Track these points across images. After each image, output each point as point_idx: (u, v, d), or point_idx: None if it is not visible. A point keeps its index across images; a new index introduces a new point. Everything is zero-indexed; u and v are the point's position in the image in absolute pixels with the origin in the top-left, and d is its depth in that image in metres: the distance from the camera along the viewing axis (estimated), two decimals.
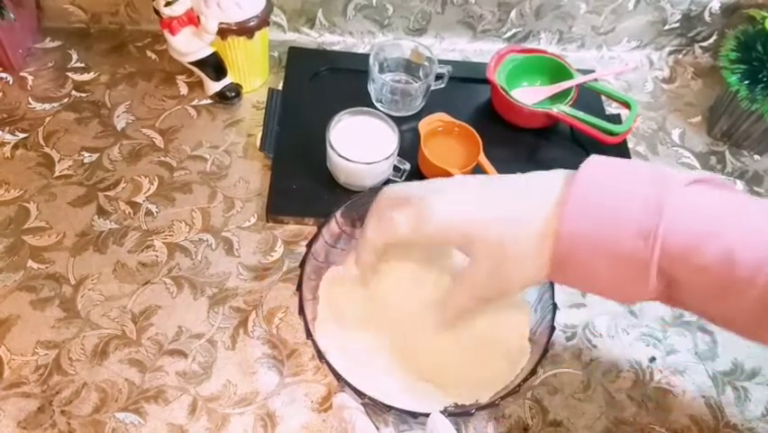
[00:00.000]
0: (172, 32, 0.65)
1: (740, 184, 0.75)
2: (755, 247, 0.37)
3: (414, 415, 0.47)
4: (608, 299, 0.43)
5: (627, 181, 0.40)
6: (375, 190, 0.59)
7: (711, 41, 0.86)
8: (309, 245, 0.54)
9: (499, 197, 0.43)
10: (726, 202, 0.39)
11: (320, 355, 0.48)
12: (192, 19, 0.65)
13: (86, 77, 0.75)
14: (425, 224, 0.44)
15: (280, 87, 0.75)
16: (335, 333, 0.53)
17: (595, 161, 0.42)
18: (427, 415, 0.47)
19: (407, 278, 0.56)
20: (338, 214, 0.56)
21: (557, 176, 0.43)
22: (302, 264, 0.53)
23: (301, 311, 0.50)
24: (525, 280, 0.44)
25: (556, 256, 0.40)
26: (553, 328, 0.50)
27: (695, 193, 0.39)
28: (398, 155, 0.65)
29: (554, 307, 0.51)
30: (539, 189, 0.42)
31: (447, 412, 0.47)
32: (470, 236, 0.43)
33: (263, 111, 0.72)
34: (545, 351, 0.50)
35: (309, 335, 0.49)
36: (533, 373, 0.49)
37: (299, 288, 0.51)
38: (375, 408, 0.49)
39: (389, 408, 0.47)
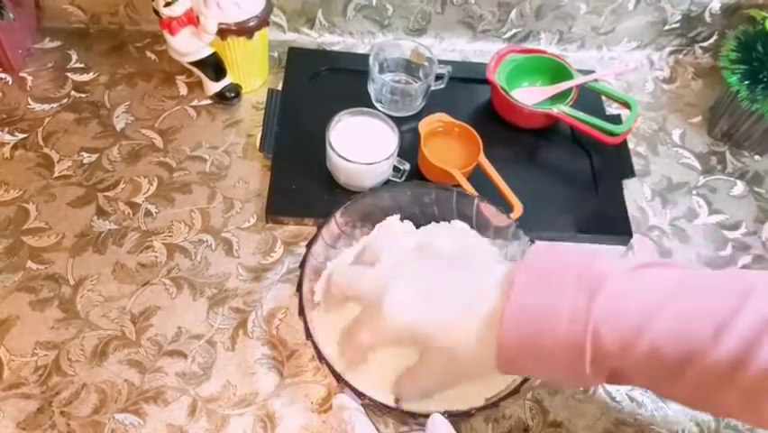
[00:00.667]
0: (172, 33, 0.65)
1: (741, 184, 0.75)
2: (680, 341, 0.38)
3: (414, 415, 0.47)
4: (567, 388, 0.47)
5: (556, 290, 0.42)
6: (375, 191, 0.59)
7: (711, 41, 0.86)
8: (309, 246, 0.53)
9: (442, 293, 0.47)
10: (658, 289, 0.40)
11: (320, 356, 0.48)
12: (191, 19, 0.65)
13: (85, 77, 0.75)
14: (382, 333, 0.47)
15: (280, 88, 0.75)
16: (335, 333, 0.53)
17: (527, 264, 0.44)
18: (427, 416, 0.47)
19: None
20: (337, 214, 0.56)
21: (498, 274, 0.46)
22: (302, 265, 0.53)
23: (301, 312, 0.50)
24: (475, 374, 0.47)
25: (500, 362, 0.43)
26: None
27: (630, 282, 0.41)
28: (398, 155, 0.65)
29: None
30: (481, 288, 0.46)
31: (447, 413, 0.47)
32: (419, 338, 0.46)
33: (263, 111, 0.72)
34: None
35: (309, 335, 0.49)
36: None
37: (299, 288, 0.51)
38: (375, 408, 0.49)
39: (389, 408, 0.47)
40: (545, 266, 0.43)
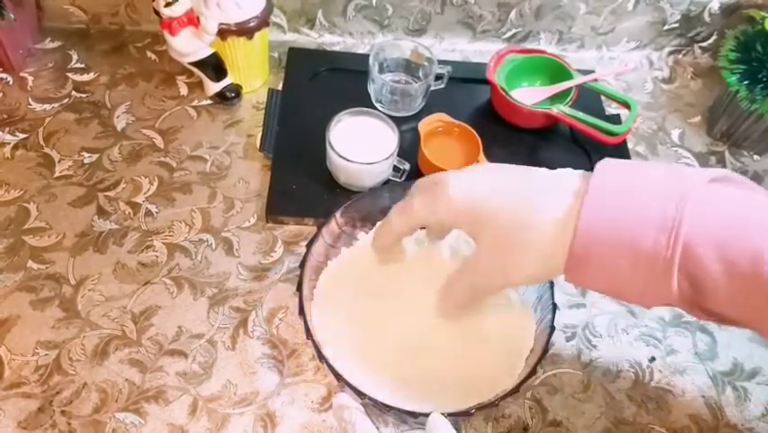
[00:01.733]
0: (172, 33, 0.65)
1: None
2: None
3: (414, 415, 0.47)
4: (630, 303, 0.41)
5: (646, 177, 0.38)
6: (375, 190, 0.59)
7: (711, 41, 0.86)
8: (309, 246, 0.54)
9: (516, 183, 0.42)
10: (749, 201, 0.38)
11: (320, 355, 0.48)
12: (192, 20, 0.65)
13: (86, 77, 0.75)
14: (439, 204, 0.43)
15: (280, 88, 0.75)
16: (335, 333, 0.53)
17: (610, 161, 0.41)
18: (427, 415, 0.47)
19: (409, 278, 0.56)
20: (338, 214, 0.56)
21: (575, 172, 0.42)
22: (302, 264, 0.53)
23: (301, 311, 0.50)
24: (529, 271, 0.41)
25: (574, 252, 0.38)
26: (552, 328, 0.50)
27: (716, 191, 0.38)
28: (398, 155, 0.65)
29: (554, 307, 0.51)
30: (557, 180, 0.41)
31: (447, 412, 0.47)
32: (479, 217, 0.42)
33: (263, 111, 0.72)
34: (545, 351, 0.50)
35: (309, 335, 0.49)
36: (533, 372, 0.49)
37: (299, 288, 0.51)
38: (375, 408, 0.49)
39: (389, 408, 0.47)
40: (630, 162, 0.40)
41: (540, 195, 0.41)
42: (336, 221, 0.57)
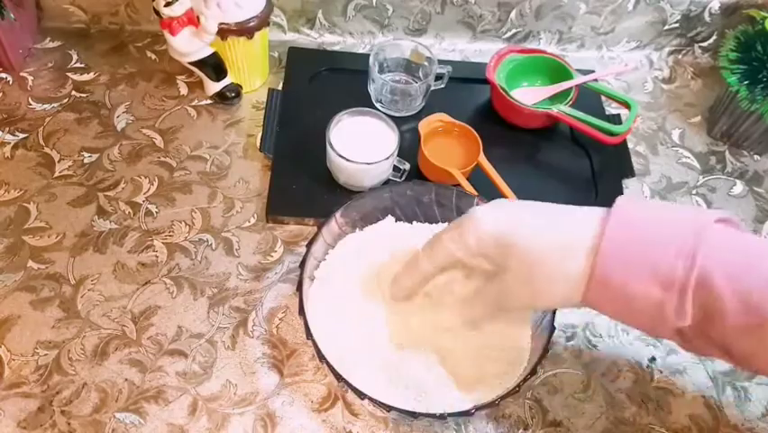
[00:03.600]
0: (172, 33, 0.65)
1: (740, 184, 0.75)
2: None
3: (414, 415, 0.47)
4: (642, 331, 0.43)
5: (664, 210, 0.41)
6: (375, 190, 0.59)
7: (711, 41, 0.86)
8: (309, 246, 0.54)
9: (542, 217, 0.44)
10: (757, 238, 0.41)
11: (320, 355, 0.48)
12: (192, 19, 0.65)
13: (86, 77, 0.75)
14: (469, 236, 0.45)
15: (280, 88, 0.75)
16: (336, 333, 0.53)
17: (629, 197, 0.43)
18: (427, 415, 0.47)
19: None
20: (338, 214, 0.56)
21: (596, 208, 0.44)
22: (302, 264, 0.53)
23: (301, 311, 0.50)
24: (556, 299, 0.44)
25: (594, 278, 0.40)
26: (553, 328, 0.50)
27: (725, 229, 0.40)
28: (398, 155, 0.65)
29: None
30: (581, 215, 0.43)
31: (447, 412, 0.47)
32: (507, 249, 0.43)
33: (263, 111, 0.72)
34: (545, 351, 0.50)
35: (309, 335, 0.49)
36: (533, 372, 0.49)
37: (299, 288, 0.51)
38: (375, 407, 0.49)
39: (389, 407, 0.47)
40: (646, 200, 0.43)
41: (565, 228, 0.43)
42: (337, 221, 0.57)
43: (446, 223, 0.61)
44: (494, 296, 0.47)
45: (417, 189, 0.59)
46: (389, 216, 0.60)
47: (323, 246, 0.56)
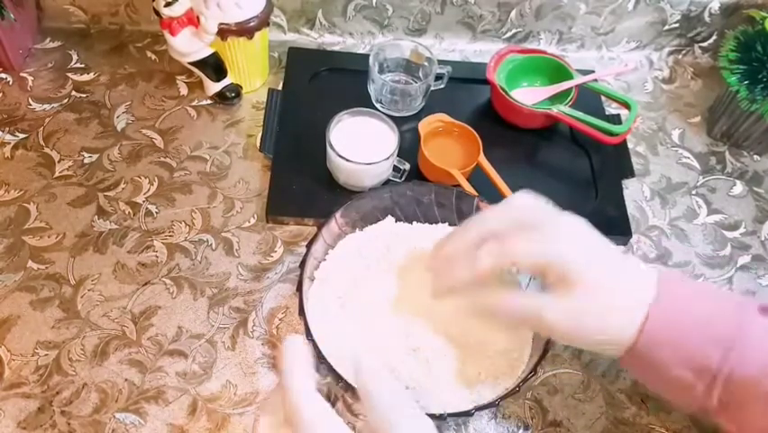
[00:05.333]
0: (172, 33, 0.65)
1: (740, 184, 0.75)
2: None
3: None
4: (671, 402, 0.44)
5: (708, 293, 0.43)
6: (375, 191, 0.59)
7: (711, 41, 0.86)
8: (309, 246, 0.54)
9: (613, 259, 0.44)
10: None
11: (320, 356, 0.48)
12: (192, 19, 0.65)
13: (86, 77, 0.75)
14: (550, 246, 0.43)
15: (280, 88, 0.75)
16: (336, 333, 0.53)
17: (674, 273, 0.46)
18: (427, 415, 0.46)
19: (409, 279, 0.56)
20: (338, 214, 0.56)
21: (654, 276, 0.43)
22: (302, 265, 0.53)
23: (301, 311, 0.50)
24: (591, 345, 0.44)
25: (635, 349, 0.42)
26: None
27: (765, 321, 0.41)
28: (398, 155, 0.65)
29: None
30: (640, 280, 0.43)
31: (447, 412, 0.47)
32: (572, 282, 0.42)
33: (263, 111, 0.72)
34: (545, 351, 0.50)
35: (309, 335, 0.49)
36: (533, 372, 0.49)
37: (299, 288, 0.51)
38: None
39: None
40: (692, 281, 0.44)
41: (624, 286, 0.43)
42: (337, 221, 0.57)
43: (446, 223, 0.60)
44: (533, 314, 0.44)
45: (417, 190, 0.59)
46: (389, 216, 0.60)
47: (323, 246, 0.56)
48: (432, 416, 0.47)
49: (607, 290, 0.42)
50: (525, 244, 0.43)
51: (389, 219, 0.60)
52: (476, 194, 0.60)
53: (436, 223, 0.61)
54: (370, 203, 0.59)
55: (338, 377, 0.47)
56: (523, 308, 0.45)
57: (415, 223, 0.61)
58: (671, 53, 0.87)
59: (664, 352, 0.41)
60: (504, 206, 0.47)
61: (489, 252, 0.44)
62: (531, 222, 0.45)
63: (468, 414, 0.47)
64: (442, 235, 0.50)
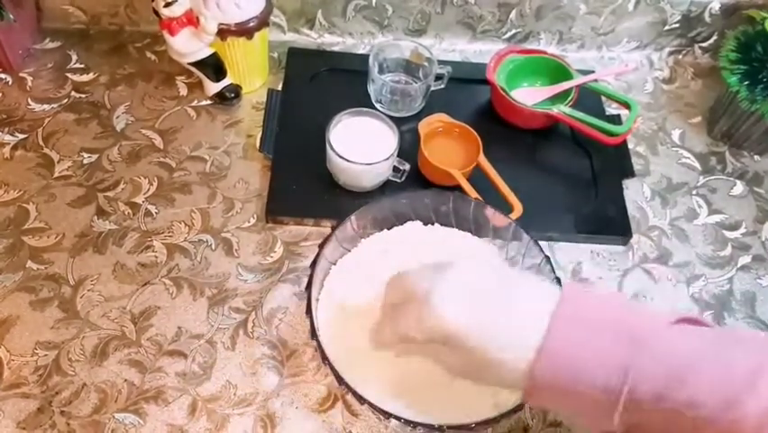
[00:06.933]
0: (172, 33, 0.65)
1: (740, 185, 0.75)
2: (718, 393, 0.38)
3: (412, 424, 0.47)
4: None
5: (598, 336, 0.41)
6: (392, 196, 0.58)
7: (711, 41, 0.86)
8: (321, 246, 0.53)
9: (490, 320, 0.44)
10: (700, 345, 0.41)
11: (323, 356, 0.48)
12: (191, 20, 0.65)
13: (85, 77, 0.75)
14: (419, 329, 0.45)
15: (280, 88, 0.75)
16: (340, 335, 0.52)
17: (569, 307, 0.43)
18: (426, 425, 0.46)
19: None
20: (353, 217, 0.55)
21: (549, 295, 0.44)
22: (313, 265, 0.52)
23: (308, 311, 0.50)
24: (493, 385, 0.46)
25: (527, 391, 0.42)
26: None
27: (667, 345, 0.41)
28: (398, 156, 0.65)
29: None
30: (526, 318, 0.44)
31: (446, 426, 0.46)
32: (457, 343, 0.44)
33: (263, 112, 0.72)
34: None
35: (314, 335, 0.49)
36: None
37: (308, 287, 0.51)
38: (374, 413, 0.49)
39: (388, 415, 0.46)
40: (588, 309, 0.43)
41: (514, 327, 0.43)
42: (352, 224, 0.56)
43: (460, 230, 0.60)
44: (441, 357, 0.47)
45: (436, 198, 0.59)
46: (408, 221, 0.60)
47: (335, 248, 0.56)
48: (430, 426, 0.46)
49: (490, 344, 0.43)
50: (410, 323, 0.45)
51: (408, 225, 0.60)
52: (476, 195, 0.60)
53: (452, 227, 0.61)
54: (388, 207, 0.58)
55: (339, 380, 0.47)
56: (425, 355, 0.48)
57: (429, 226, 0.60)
58: (671, 53, 0.87)
59: (556, 389, 0.41)
60: (393, 283, 0.49)
61: (390, 331, 0.48)
62: (412, 297, 0.46)
63: (469, 428, 0.47)
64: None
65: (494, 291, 0.45)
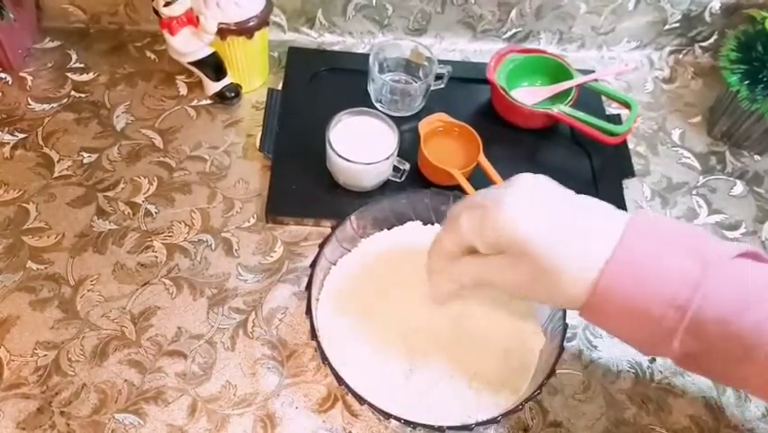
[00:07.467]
0: (171, 33, 0.65)
1: (740, 184, 0.75)
2: None
3: (412, 425, 0.47)
4: (634, 348, 0.44)
5: (670, 251, 0.41)
6: (392, 196, 0.58)
7: (711, 41, 0.86)
8: (322, 246, 0.53)
9: (562, 216, 0.44)
10: (766, 277, 0.41)
11: (323, 357, 0.48)
12: (191, 19, 0.65)
13: (85, 77, 0.75)
14: (487, 231, 0.44)
15: (280, 88, 0.75)
16: (340, 335, 0.52)
17: (643, 222, 0.42)
18: (426, 426, 0.46)
19: (416, 285, 0.55)
20: (353, 217, 0.56)
21: (619, 220, 0.43)
22: (313, 265, 0.52)
23: (308, 311, 0.50)
24: (554, 303, 0.47)
25: (589, 302, 0.42)
26: (562, 349, 0.50)
27: (735, 270, 0.40)
28: (398, 155, 0.65)
29: (565, 327, 0.50)
30: (601, 219, 0.44)
31: (446, 426, 0.46)
32: (523, 251, 0.43)
33: (263, 111, 0.72)
34: (552, 372, 0.49)
35: (314, 335, 0.49)
36: (537, 392, 0.48)
37: (309, 287, 0.51)
38: (374, 414, 0.49)
39: (388, 415, 0.46)
40: (661, 226, 0.42)
41: (582, 241, 0.42)
42: (352, 224, 0.56)
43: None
44: (495, 273, 0.45)
45: (436, 198, 0.59)
46: (408, 221, 0.60)
47: (335, 248, 0.56)
48: (430, 427, 0.47)
49: (559, 251, 0.42)
50: (476, 227, 0.44)
51: (415, 223, 0.60)
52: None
53: None
54: (388, 207, 0.58)
55: (339, 380, 0.47)
56: (476, 277, 0.47)
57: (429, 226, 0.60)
58: (671, 53, 0.87)
59: (621, 307, 0.41)
60: (450, 225, 0.48)
61: (447, 279, 0.48)
62: (476, 206, 0.45)
63: (468, 429, 0.47)
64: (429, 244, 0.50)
65: (567, 203, 0.45)
